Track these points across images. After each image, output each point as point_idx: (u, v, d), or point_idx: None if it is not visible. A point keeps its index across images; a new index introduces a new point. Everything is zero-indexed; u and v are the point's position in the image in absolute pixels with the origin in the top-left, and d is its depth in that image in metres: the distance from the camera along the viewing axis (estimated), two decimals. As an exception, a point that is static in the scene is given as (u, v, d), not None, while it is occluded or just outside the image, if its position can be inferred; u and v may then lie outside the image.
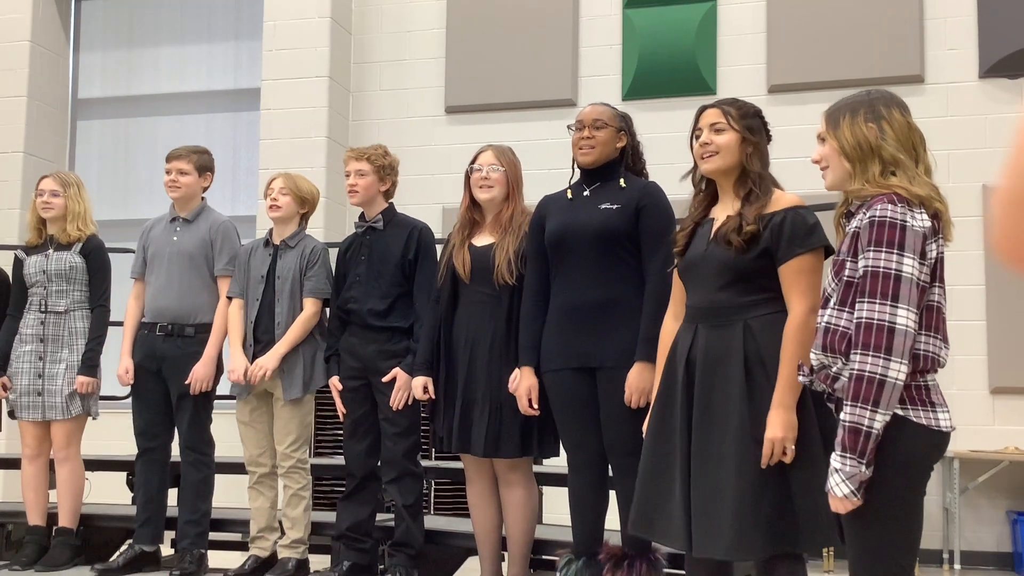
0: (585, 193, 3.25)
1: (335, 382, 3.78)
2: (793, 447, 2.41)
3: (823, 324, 2.22)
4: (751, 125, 2.66)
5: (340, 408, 3.79)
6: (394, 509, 3.75)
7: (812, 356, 2.27)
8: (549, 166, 4.80)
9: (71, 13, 7.81)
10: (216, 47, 7.60)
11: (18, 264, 4.22)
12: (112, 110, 7.78)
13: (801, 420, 2.44)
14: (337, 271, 3.89)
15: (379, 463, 3.77)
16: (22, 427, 4.14)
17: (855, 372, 2.08)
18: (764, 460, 2.42)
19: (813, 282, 2.51)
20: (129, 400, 4.14)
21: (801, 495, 2.42)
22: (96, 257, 4.20)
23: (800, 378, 2.38)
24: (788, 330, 2.47)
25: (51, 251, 4.18)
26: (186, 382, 3.94)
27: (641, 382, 2.99)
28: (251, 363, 3.87)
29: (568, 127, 3.31)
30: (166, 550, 4.13)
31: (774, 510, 2.42)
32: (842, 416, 2.10)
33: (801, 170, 5.55)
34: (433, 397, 3.50)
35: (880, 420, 2.06)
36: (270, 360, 3.81)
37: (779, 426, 2.41)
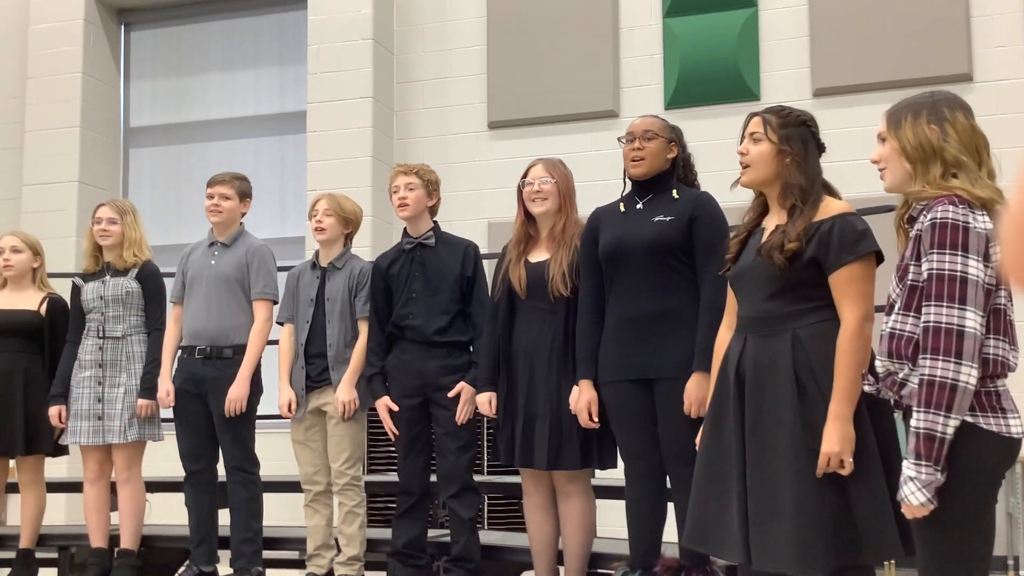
0: (638, 205, 3.25)
1: (387, 402, 3.77)
2: (851, 460, 2.38)
3: (887, 330, 2.19)
4: (790, 135, 2.60)
5: (390, 428, 3.78)
6: (450, 524, 3.76)
7: (878, 363, 2.23)
8: (593, 178, 4.80)
9: (121, 43, 7.99)
10: (262, 72, 7.72)
11: (76, 291, 4.32)
12: (163, 137, 7.94)
13: (857, 430, 2.41)
14: (377, 285, 3.87)
15: (433, 479, 3.78)
16: (83, 451, 4.23)
17: (925, 377, 2.04)
18: (819, 472, 2.38)
19: (864, 290, 2.47)
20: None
21: (860, 506, 2.38)
22: (152, 282, 4.28)
23: (866, 387, 2.34)
24: (841, 340, 2.44)
25: (108, 277, 4.26)
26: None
27: (700, 393, 2.97)
28: (304, 385, 3.93)
29: (618, 139, 3.32)
30: (223, 569, 4.18)
31: (835, 522, 2.38)
32: (913, 423, 2.06)
33: (849, 174, 5.49)
34: (494, 415, 3.52)
35: (952, 425, 2.02)
36: (346, 392, 3.85)
37: (836, 439, 2.37)
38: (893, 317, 2.18)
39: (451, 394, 3.66)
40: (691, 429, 2.96)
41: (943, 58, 6.13)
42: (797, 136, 2.61)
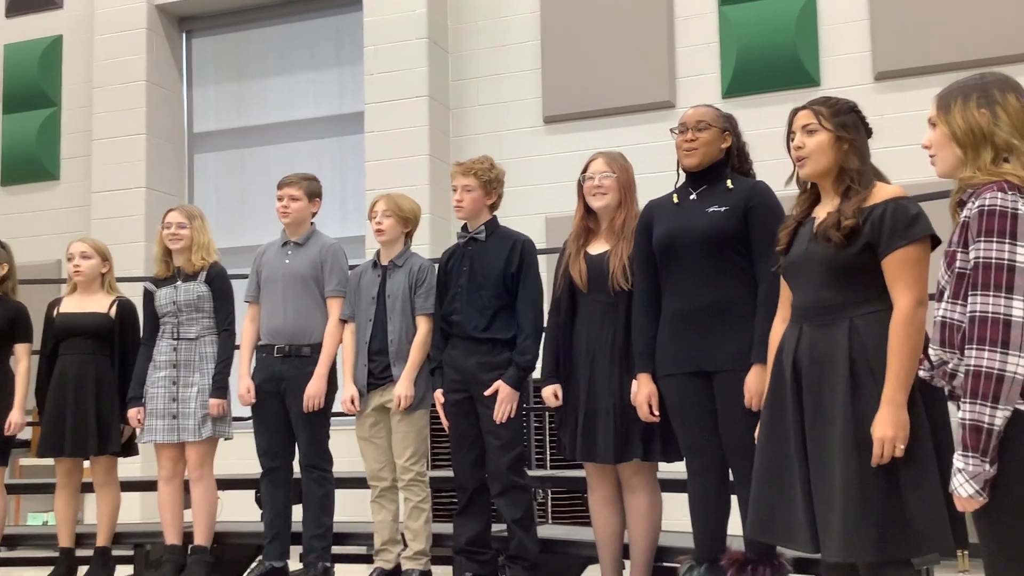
0: (692, 196, 3.22)
1: (438, 395, 3.82)
2: (903, 446, 2.34)
3: (939, 318, 2.15)
4: (845, 122, 2.61)
5: (444, 420, 3.84)
6: (506, 522, 3.77)
7: (931, 351, 2.20)
8: (651, 170, 4.77)
9: (183, 51, 8.16)
10: (320, 75, 7.82)
11: (148, 297, 4.42)
12: (225, 142, 8.09)
13: (911, 420, 2.37)
14: (440, 280, 3.94)
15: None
16: (158, 450, 4.33)
17: (971, 368, 2.01)
18: (874, 459, 2.35)
19: (918, 274, 2.44)
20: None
21: (912, 499, 2.35)
22: (220, 284, 4.37)
23: (921, 372, 2.31)
24: (894, 325, 2.41)
25: (179, 282, 4.36)
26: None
27: (759, 385, 2.94)
28: (366, 382, 3.98)
29: (671, 130, 3.29)
30: (294, 565, 4.26)
31: (883, 514, 2.35)
32: (961, 414, 2.03)
33: (913, 158, 5.38)
34: (560, 404, 3.51)
35: (1001, 416, 1.98)
36: (404, 388, 3.89)
37: (889, 424, 2.35)
38: (943, 305, 2.14)
39: (487, 392, 3.67)
40: (751, 422, 2.93)
41: (1009, 37, 5.96)
42: (850, 122, 2.62)
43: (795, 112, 2.67)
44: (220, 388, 4.26)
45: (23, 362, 4.60)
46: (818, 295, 2.53)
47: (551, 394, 3.53)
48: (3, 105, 8.35)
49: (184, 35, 8.17)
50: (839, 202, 2.55)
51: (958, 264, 2.10)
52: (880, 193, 2.52)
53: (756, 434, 2.73)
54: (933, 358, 2.19)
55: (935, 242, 2.48)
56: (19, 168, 8.23)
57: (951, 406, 2.25)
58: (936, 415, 2.41)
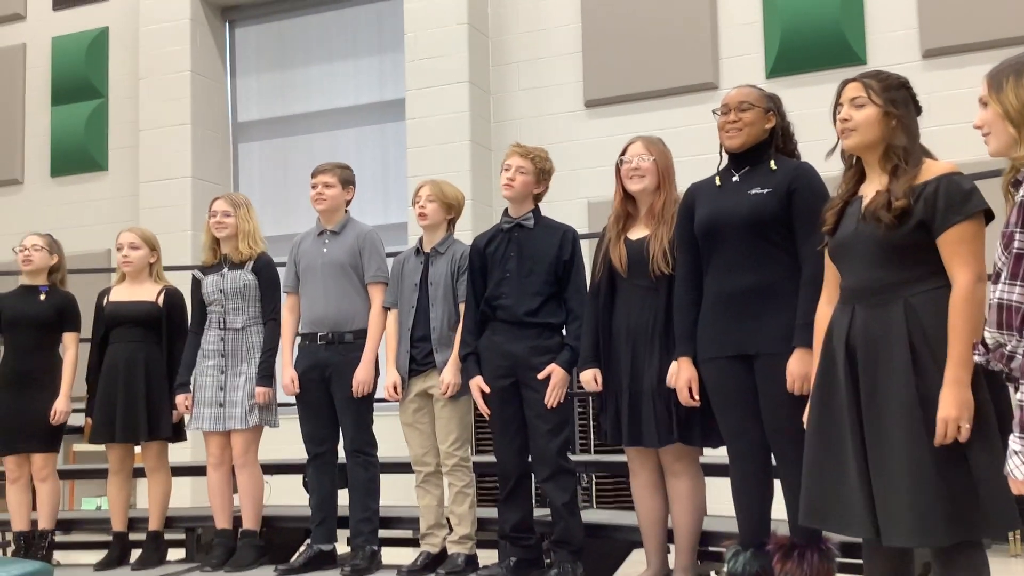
0: (734, 178, 3.18)
1: (480, 383, 3.80)
2: (968, 426, 2.31)
3: (995, 300, 2.11)
4: (894, 98, 2.56)
5: (483, 408, 3.82)
6: (551, 506, 3.77)
7: (986, 334, 2.15)
8: (694, 152, 4.73)
9: (226, 41, 8.24)
10: (361, 62, 7.86)
11: (196, 284, 4.49)
12: (269, 131, 8.16)
13: (975, 400, 2.33)
14: (474, 264, 3.89)
15: (530, 460, 3.81)
16: (206, 437, 4.40)
17: None
18: (938, 439, 2.32)
19: (975, 250, 2.39)
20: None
21: (981, 479, 2.31)
22: (267, 274, 4.42)
23: (976, 357, 2.26)
24: (954, 303, 2.36)
25: (226, 270, 4.42)
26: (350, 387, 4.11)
27: (802, 368, 2.91)
28: (408, 369, 4.01)
29: (713, 112, 3.26)
30: (342, 548, 4.31)
31: (954, 495, 2.31)
32: (1018, 396, 1.99)
33: (962, 136, 5.27)
34: (601, 390, 3.50)
35: None
36: (451, 375, 3.90)
37: (953, 404, 2.31)
38: (1000, 287, 2.09)
39: (541, 376, 3.66)
40: (793, 405, 2.90)
41: (1064, 10, 5.81)
42: (900, 99, 2.57)
43: (844, 84, 2.63)
44: (266, 376, 4.32)
45: (71, 351, 4.70)
46: (871, 275, 2.49)
47: (591, 378, 3.52)
48: (52, 97, 8.49)
49: (227, 25, 8.25)
50: (887, 181, 2.51)
51: (1016, 245, 2.05)
52: (932, 170, 2.48)
53: (805, 418, 2.70)
54: (989, 341, 2.15)
55: (989, 217, 2.43)
56: (68, 159, 8.38)
57: (1010, 389, 2.20)
58: (1002, 396, 2.37)
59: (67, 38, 8.46)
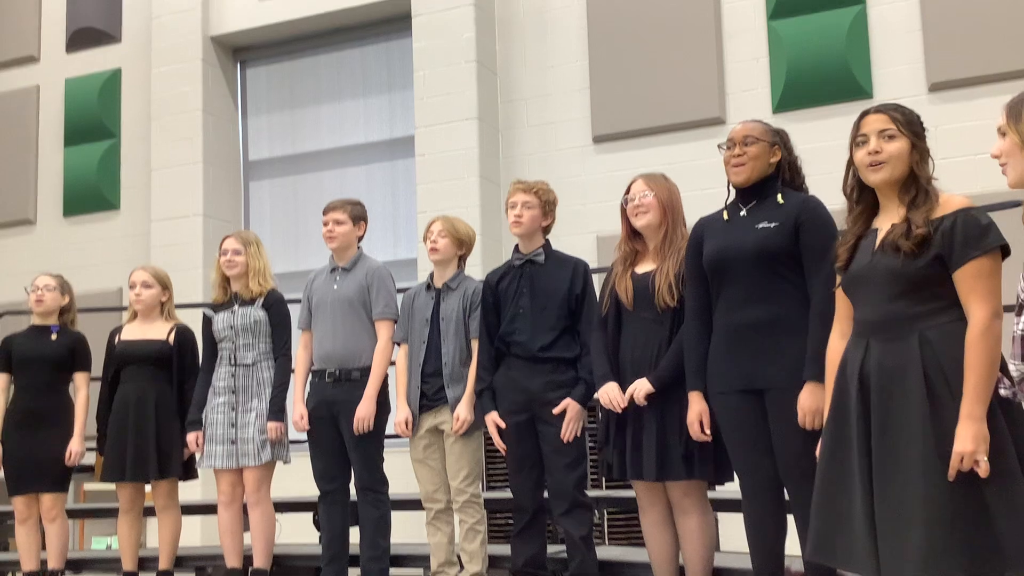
0: (741, 212, 3.19)
1: (495, 419, 3.81)
2: (985, 460, 2.29)
3: (1019, 332, 2.10)
4: (917, 131, 2.57)
5: (499, 444, 3.82)
6: (566, 541, 3.75)
7: (1012, 367, 2.14)
8: (702, 186, 4.75)
9: (237, 80, 8.33)
10: (371, 100, 7.92)
11: (207, 322, 4.51)
12: (280, 169, 8.22)
13: (993, 434, 2.31)
14: (487, 301, 3.91)
15: (546, 495, 3.79)
16: (217, 475, 4.40)
17: None
18: (952, 472, 2.30)
19: (992, 286, 2.38)
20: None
21: (999, 514, 2.28)
22: (277, 310, 4.44)
23: (1002, 391, 2.25)
24: (971, 338, 2.35)
25: (236, 307, 4.44)
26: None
27: (813, 403, 2.89)
28: (419, 404, 4.01)
29: (719, 146, 3.28)
30: (352, 587, 4.28)
31: (971, 530, 2.29)
32: None
33: (970, 169, 5.28)
34: (624, 407, 3.38)
35: None
36: (465, 410, 3.90)
37: (969, 439, 2.29)
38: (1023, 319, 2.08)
39: (556, 411, 3.66)
40: (806, 440, 2.88)
41: (1069, 42, 5.84)
42: (920, 131, 2.58)
43: (864, 115, 2.61)
44: (277, 412, 4.32)
45: (83, 391, 4.72)
46: (886, 308, 2.48)
47: (613, 392, 3.40)
48: (65, 138, 8.58)
49: (239, 65, 8.34)
50: (905, 212, 2.50)
51: None
52: (948, 204, 2.47)
53: (818, 452, 2.68)
54: (1014, 373, 2.14)
55: (1005, 252, 2.43)
56: (81, 199, 8.45)
57: None
58: (1021, 430, 2.35)
59: (80, 80, 8.57)
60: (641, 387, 3.33)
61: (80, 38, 8.62)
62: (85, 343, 4.80)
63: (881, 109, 2.60)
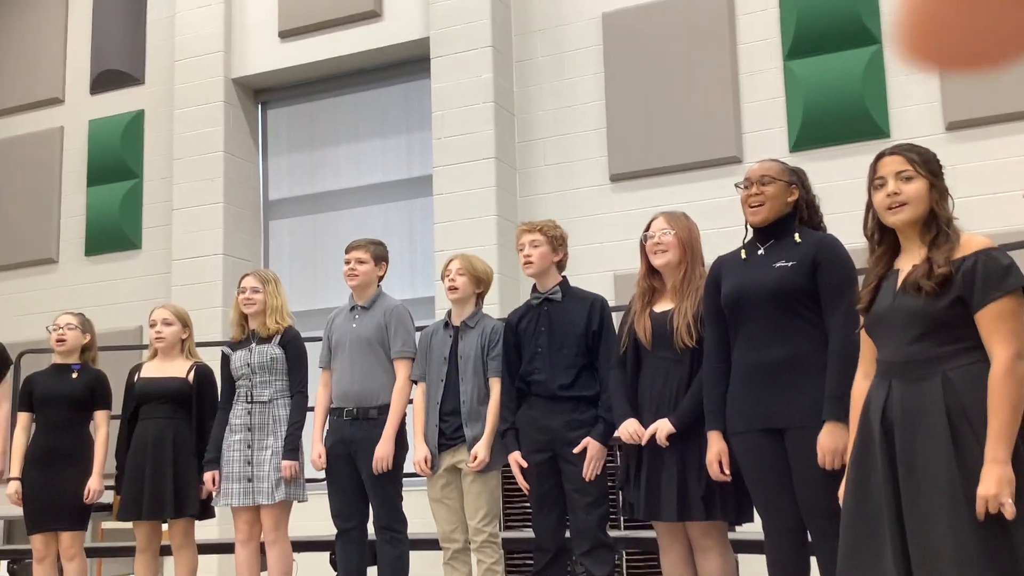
0: (759, 251, 3.20)
1: (517, 458, 3.81)
2: (1011, 502, 2.26)
3: None
4: (934, 170, 2.57)
5: (522, 484, 3.81)
6: (586, 581, 3.72)
7: None
8: (719, 225, 4.76)
9: (258, 121, 8.43)
10: (389, 141, 8.00)
11: (225, 360, 4.53)
12: (299, 208, 8.29)
13: (1019, 476, 2.29)
14: (508, 341, 3.94)
15: (568, 535, 3.77)
16: (234, 513, 4.39)
17: None
18: (979, 515, 2.27)
19: (1015, 327, 2.37)
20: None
21: None
22: (294, 347, 4.46)
23: None
24: (993, 379, 2.33)
25: (254, 345, 4.46)
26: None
27: (833, 443, 2.87)
28: (437, 443, 4.00)
29: (736, 185, 3.29)
30: (369, 628, 4.25)
31: (1000, 571, 2.26)
32: None
33: (988, 207, 5.27)
34: (643, 442, 3.38)
35: None
36: (483, 450, 3.90)
37: (993, 481, 2.27)
38: None
39: (576, 450, 3.65)
40: (827, 480, 2.86)
41: (1086, 81, 5.84)
42: (937, 170, 2.59)
43: (880, 157, 2.62)
44: (292, 450, 4.32)
45: (102, 429, 4.74)
46: (908, 349, 2.47)
47: (633, 429, 3.38)
48: (88, 178, 8.68)
49: (260, 106, 8.45)
50: (927, 252, 2.50)
51: None
52: (969, 244, 2.47)
53: (841, 494, 2.66)
54: None
55: None
56: (103, 239, 8.53)
57: None
58: None
59: (103, 121, 8.69)
60: (662, 428, 3.32)
61: (104, 80, 8.76)
62: (105, 381, 4.83)
63: (897, 150, 2.61)
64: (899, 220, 2.56)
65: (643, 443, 3.37)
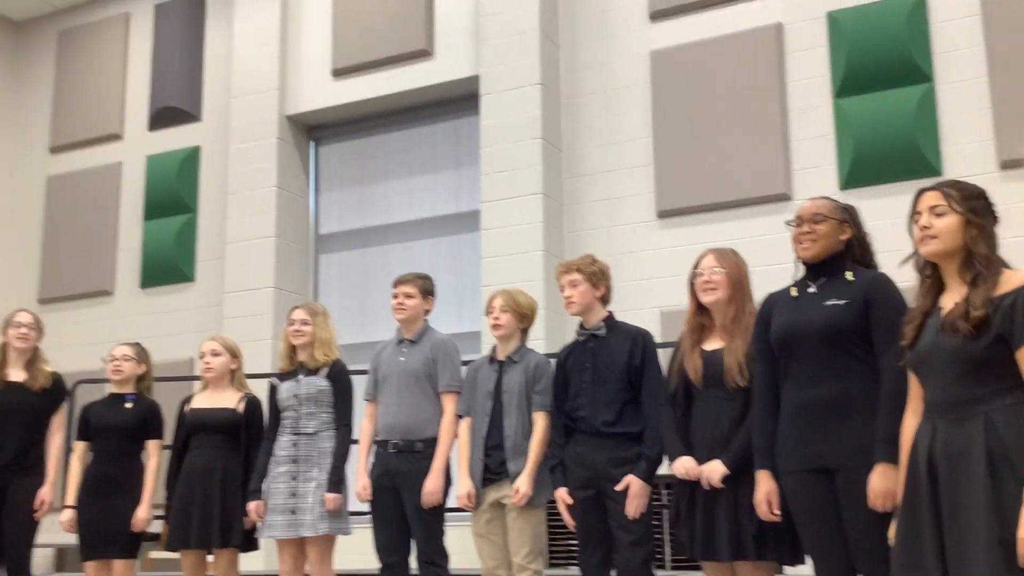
0: (810, 289, 3.17)
1: (563, 495, 3.79)
2: None
3: None
4: (975, 207, 2.56)
5: (568, 520, 3.80)
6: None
7: None
8: (767, 262, 4.72)
9: (310, 157, 8.58)
10: (438, 176, 8.09)
11: (273, 391, 4.58)
12: (348, 242, 8.40)
13: None
14: (557, 378, 3.96)
15: (613, 572, 3.73)
16: (279, 545, 4.42)
17: None
18: (1020, 560, 2.22)
19: None
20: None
21: None
22: (341, 380, 4.50)
23: None
24: None
25: (301, 377, 4.51)
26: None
27: (885, 484, 2.82)
28: (482, 478, 4.00)
29: (787, 223, 3.28)
30: (412, 663, 4.23)
31: None
32: None
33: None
34: (696, 478, 3.36)
35: None
36: (526, 484, 3.89)
37: None
38: None
39: (618, 487, 3.63)
40: (878, 523, 2.81)
41: None
42: (980, 208, 2.57)
43: (921, 193, 2.63)
44: (336, 483, 4.34)
45: (154, 458, 4.81)
46: (950, 389, 2.44)
47: (687, 466, 3.37)
48: (145, 212, 8.89)
49: (312, 143, 8.60)
50: (967, 291, 2.48)
51: None
52: (1011, 281, 2.44)
53: (890, 535, 2.62)
54: None
55: None
56: (158, 271, 8.71)
57: None
58: None
59: (161, 156, 8.91)
60: (716, 469, 3.29)
61: (162, 117, 8.99)
62: (159, 411, 4.91)
63: (936, 186, 2.63)
64: (928, 251, 2.57)
65: (698, 479, 3.34)
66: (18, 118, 9.68)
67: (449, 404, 4.24)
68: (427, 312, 4.46)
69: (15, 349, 4.99)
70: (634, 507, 3.61)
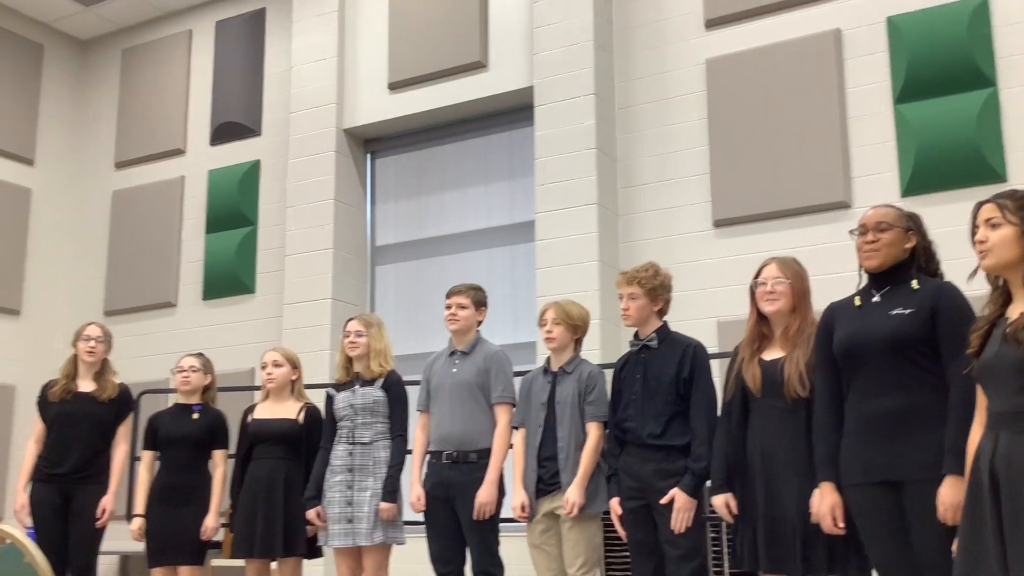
0: (874, 298, 3.13)
1: (614, 505, 3.78)
2: None
3: None
4: None
5: (620, 530, 3.78)
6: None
7: None
8: (826, 271, 4.66)
9: (367, 171, 8.68)
10: (493, 188, 8.12)
11: (329, 400, 4.64)
12: (404, 254, 8.47)
13: None
14: (613, 389, 3.95)
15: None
16: (336, 554, 4.46)
17: None
18: None
19: None
20: (432, 525, 4.35)
21: None
22: (396, 391, 4.54)
23: None
24: None
25: (357, 387, 4.56)
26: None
27: (954, 497, 2.77)
28: (535, 488, 4.00)
29: (850, 232, 3.24)
30: (469, 673, 4.24)
31: None
32: None
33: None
34: (735, 514, 3.41)
35: None
36: (575, 494, 3.88)
37: None
38: None
39: (663, 501, 3.61)
40: (947, 537, 2.75)
41: None
42: None
43: (979, 205, 2.61)
44: (390, 492, 4.37)
45: (220, 468, 4.90)
46: (1013, 400, 2.40)
47: (723, 504, 3.44)
48: (207, 225, 9.06)
49: (369, 156, 8.70)
50: None
51: None
52: None
53: (954, 549, 2.57)
54: None
55: None
56: (219, 283, 8.87)
57: None
58: None
59: (222, 170, 9.08)
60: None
61: (223, 132, 9.17)
62: (224, 421, 5.00)
63: (993, 197, 2.62)
64: (985, 266, 2.57)
65: (731, 521, 3.36)
66: (84, 135, 9.95)
67: (502, 415, 4.25)
68: (479, 323, 4.48)
69: (84, 362, 5.13)
70: (679, 521, 3.58)
